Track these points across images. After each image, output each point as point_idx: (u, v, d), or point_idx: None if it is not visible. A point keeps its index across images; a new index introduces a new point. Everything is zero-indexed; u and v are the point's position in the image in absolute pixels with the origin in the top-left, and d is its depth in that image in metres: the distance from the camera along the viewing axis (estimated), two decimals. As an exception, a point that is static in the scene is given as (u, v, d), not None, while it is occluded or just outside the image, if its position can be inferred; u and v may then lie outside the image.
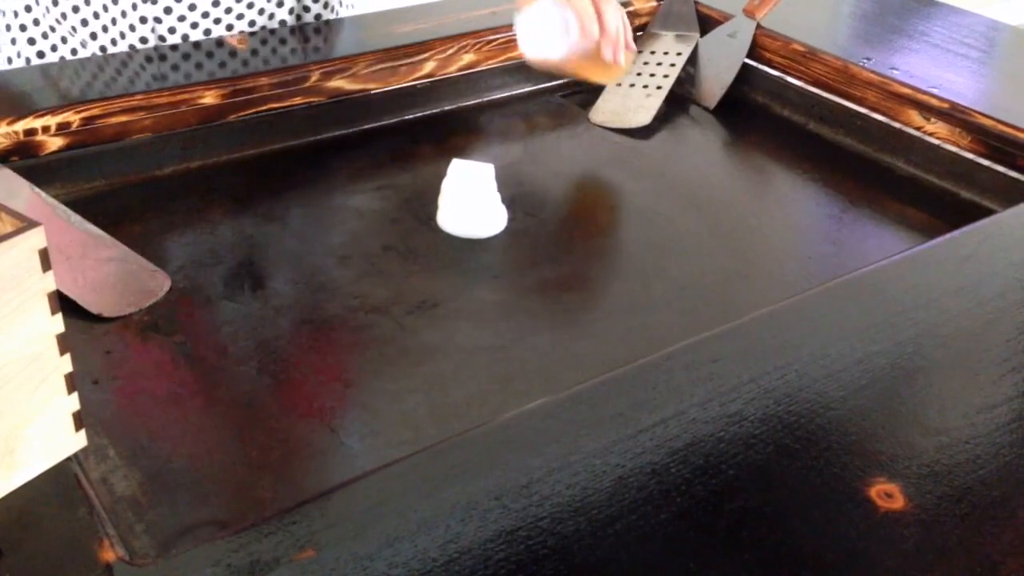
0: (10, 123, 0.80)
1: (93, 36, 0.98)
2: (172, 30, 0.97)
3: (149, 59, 0.93)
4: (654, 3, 1.11)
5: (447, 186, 0.82)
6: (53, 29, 0.99)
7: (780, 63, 1.03)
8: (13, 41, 1.02)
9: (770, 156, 0.99)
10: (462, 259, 0.80)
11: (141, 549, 0.52)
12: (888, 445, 0.53)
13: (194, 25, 0.98)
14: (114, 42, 0.98)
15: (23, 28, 1.01)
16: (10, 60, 1.03)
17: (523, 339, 0.71)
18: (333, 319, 0.72)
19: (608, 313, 0.75)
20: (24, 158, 0.81)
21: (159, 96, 0.86)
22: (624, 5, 1.09)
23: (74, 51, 1.00)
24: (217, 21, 0.99)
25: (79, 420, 0.52)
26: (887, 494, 0.50)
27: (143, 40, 0.97)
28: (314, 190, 0.88)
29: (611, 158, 0.96)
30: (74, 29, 0.99)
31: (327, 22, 1.04)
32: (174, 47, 0.96)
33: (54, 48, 1.00)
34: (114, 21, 0.97)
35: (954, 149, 0.90)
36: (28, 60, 1.01)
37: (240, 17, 1.00)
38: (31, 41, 1.01)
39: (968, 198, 0.89)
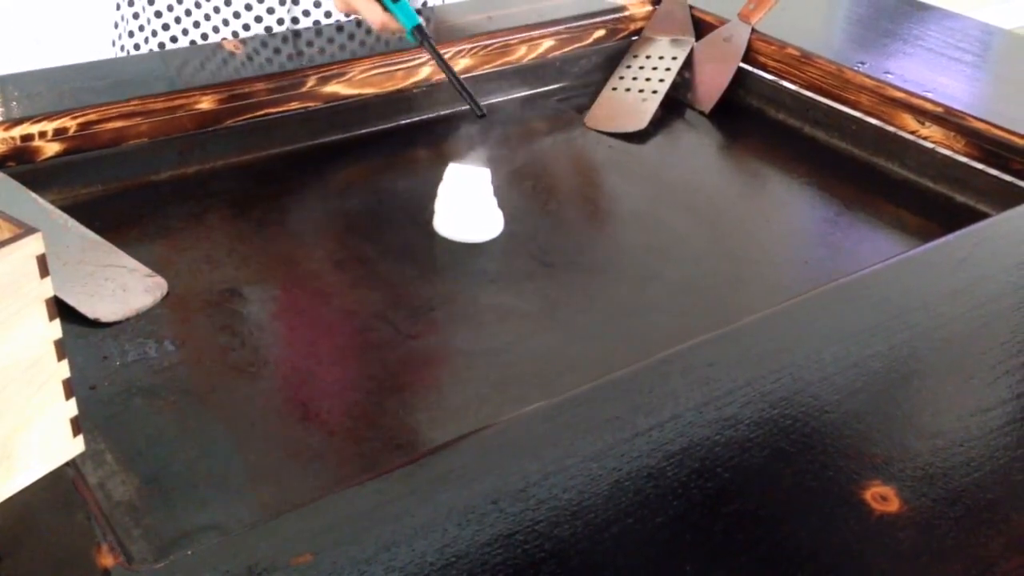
0: (7, 128, 0.80)
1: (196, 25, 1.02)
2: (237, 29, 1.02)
3: (145, 64, 0.94)
4: (649, 7, 1.11)
5: (443, 191, 0.82)
6: (189, 13, 1.03)
7: (775, 67, 1.03)
8: (142, 27, 1.06)
9: (765, 160, 0.99)
10: (459, 263, 0.80)
11: (139, 554, 0.52)
12: (883, 448, 0.53)
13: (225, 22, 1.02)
14: (205, 36, 1.03)
15: (158, 14, 1.04)
16: (131, 33, 1.07)
17: (520, 343, 0.71)
18: (330, 324, 0.72)
19: (604, 317, 0.75)
20: (21, 164, 0.81)
21: (155, 101, 0.86)
22: (619, 10, 1.09)
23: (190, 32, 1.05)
24: (216, 30, 1.00)
25: (77, 425, 0.52)
26: (882, 497, 0.50)
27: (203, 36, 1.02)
28: (311, 195, 0.88)
29: (607, 162, 0.96)
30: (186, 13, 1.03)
31: (323, 27, 1.04)
32: (168, 52, 0.96)
33: (184, 32, 1.04)
34: (214, 10, 1.02)
35: (948, 153, 0.90)
36: (162, 45, 1.06)
37: (237, 16, 1.01)
38: (159, 15, 1.05)
39: (962, 202, 0.89)
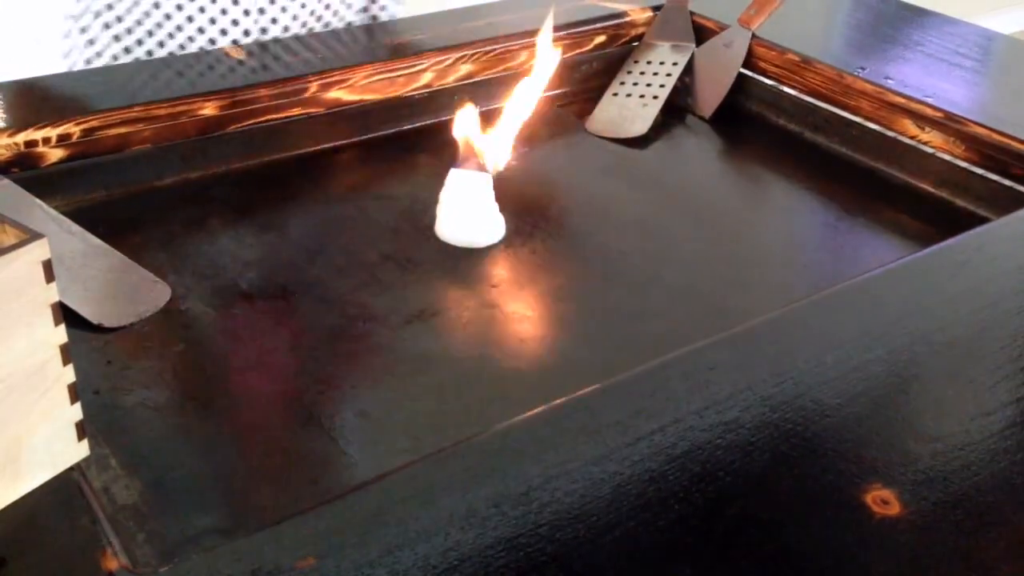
0: (11, 135, 0.81)
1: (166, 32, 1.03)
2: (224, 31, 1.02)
3: (148, 70, 0.94)
4: (650, 13, 1.11)
5: (445, 196, 0.82)
6: (202, 31, 1.03)
7: (775, 73, 1.03)
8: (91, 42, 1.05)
9: (766, 165, 0.99)
10: (460, 268, 0.80)
11: (143, 558, 0.52)
12: (884, 452, 0.53)
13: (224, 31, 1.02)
14: (165, 40, 1.02)
15: (107, 26, 1.03)
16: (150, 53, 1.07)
17: (521, 347, 0.72)
18: (332, 329, 0.73)
19: (605, 321, 0.75)
20: (25, 170, 0.82)
21: (158, 108, 0.86)
22: (619, 15, 1.10)
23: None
24: (236, 43, 1.01)
25: (82, 430, 0.52)
26: (883, 500, 0.50)
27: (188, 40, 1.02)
28: (313, 200, 0.89)
29: (607, 167, 0.96)
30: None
31: (326, 32, 1.05)
32: (171, 58, 0.96)
33: (139, 42, 1.04)
34: (185, 24, 1.01)
35: (948, 158, 0.90)
36: (115, 56, 1.04)
37: (256, 22, 1.01)
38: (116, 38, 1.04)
39: (962, 206, 0.89)
